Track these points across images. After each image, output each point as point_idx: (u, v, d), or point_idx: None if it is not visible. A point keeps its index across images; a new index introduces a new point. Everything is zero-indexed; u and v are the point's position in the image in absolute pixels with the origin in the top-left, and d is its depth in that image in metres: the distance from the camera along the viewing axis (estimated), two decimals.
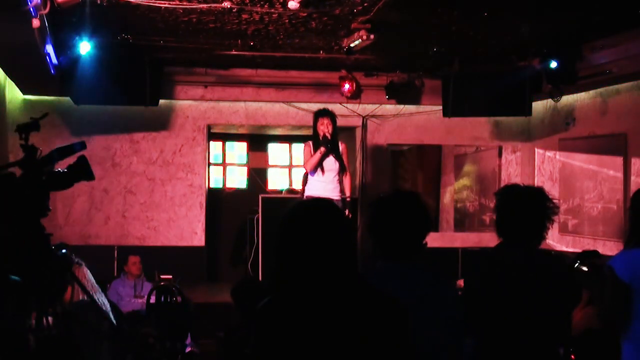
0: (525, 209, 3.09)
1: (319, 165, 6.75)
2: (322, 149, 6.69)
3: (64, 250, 3.51)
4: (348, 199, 6.99)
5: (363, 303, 2.09)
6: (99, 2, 5.31)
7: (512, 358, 3.05)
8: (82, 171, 3.33)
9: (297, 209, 2.17)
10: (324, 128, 6.74)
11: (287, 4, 5.34)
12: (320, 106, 8.46)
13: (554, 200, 3.15)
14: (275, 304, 2.11)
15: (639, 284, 3.39)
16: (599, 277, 3.95)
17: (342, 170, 6.89)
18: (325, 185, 6.74)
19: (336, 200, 6.63)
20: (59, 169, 3.35)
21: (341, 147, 6.98)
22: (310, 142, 6.87)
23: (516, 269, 3.06)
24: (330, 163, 6.80)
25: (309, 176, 6.90)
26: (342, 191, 6.88)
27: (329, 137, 6.74)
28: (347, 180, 7.00)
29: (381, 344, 2.06)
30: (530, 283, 3.04)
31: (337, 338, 2.03)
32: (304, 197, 6.79)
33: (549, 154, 8.86)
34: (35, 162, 3.32)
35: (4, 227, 3.17)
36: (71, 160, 3.37)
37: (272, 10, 5.64)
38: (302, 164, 7.07)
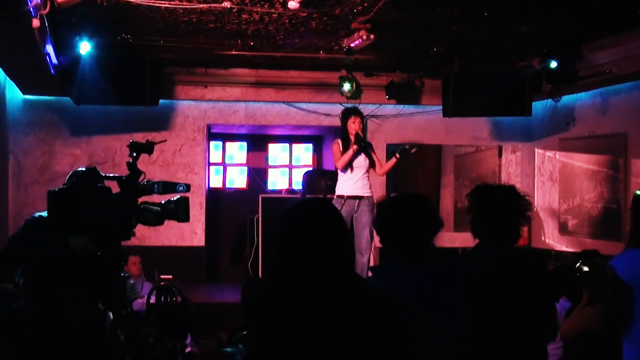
0: (498, 208, 3.09)
1: (350, 163, 6.72)
2: (355, 147, 6.65)
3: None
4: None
5: (355, 299, 2.11)
6: (99, 2, 5.31)
7: (498, 356, 3.04)
8: (179, 211, 3.29)
9: (293, 207, 2.21)
10: (356, 126, 6.72)
11: (287, 4, 5.34)
12: (321, 106, 8.46)
13: (527, 197, 3.15)
14: (270, 299, 2.13)
15: (638, 284, 3.39)
16: (600, 277, 3.95)
17: (372, 167, 6.87)
18: (354, 182, 6.72)
19: (367, 196, 6.67)
20: (155, 204, 3.30)
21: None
22: (339, 140, 6.82)
23: (494, 268, 3.05)
24: (360, 160, 6.76)
25: (339, 174, 6.83)
26: (371, 187, 6.88)
27: (361, 134, 6.74)
28: (385, 168, 6.99)
29: (373, 340, 2.08)
30: (508, 282, 3.03)
31: (329, 333, 2.05)
32: (335, 195, 6.76)
33: (549, 154, 8.86)
34: (136, 185, 3.27)
35: (87, 239, 3.12)
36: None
37: (272, 10, 5.64)
38: (334, 162, 6.96)
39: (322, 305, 2.07)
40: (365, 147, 6.77)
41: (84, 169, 3.29)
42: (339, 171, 6.81)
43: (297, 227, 2.15)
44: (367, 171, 6.80)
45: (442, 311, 2.63)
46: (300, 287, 2.09)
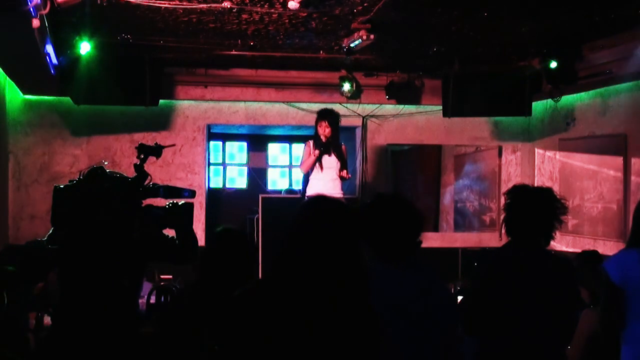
0: (534, 209, 3.10)
1: (313, 167, 6.89)
2: (316, 152, 6.82)
3: None
4: (343, 173, 7.02)
5: (343, 307, 2.06)
6: (99, 2, 5.31)
7: (514, 357, 3.05)
8: (183, 214, 3.29)
9: (310, 206, 2.17)
10: (322, 130, 6.89)
11: (287, 4, 5.34)
12: (321, 106, 8.45)
13: (563, 201, 3.15)
14: (262, 298, 2.10)
15: (631, 285, 3.38)
16: (598, 278, 3.95)
17: (342, 169, 6.94)
18: (325, 183, 6.80)
19: (337, 198, 6.66)
20: (158, 208, 3.30)
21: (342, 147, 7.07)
22: (311, 142, 7.00)
23: (522, 268, 3.06)
24: (331, 161, 6.88)
25: (310, 175, 6.98)
26: (342, 189, 6.95)
27: (324, 139, 6.86)
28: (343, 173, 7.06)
29: (352, 351, 2.05)
30: (535, 283, 3.04)
31: (311, 338, 2.02)
32: (305, 196, 6.84)
33: (549, 154, 8.86)
34: (141, 187, 3.26)
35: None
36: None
37: (272, 10, 5.64)
38: (299, 163, 7.19)
39: (311, 310, 2.03)
40: (327, 151, 6.89)
41: (95, 167, 3.28)
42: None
43: (312, 227, 2.10)
44: (338, 172, 6.89)
45: (430, 309, 2.62)
46: (295, 290, 2.04)
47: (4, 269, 3.85)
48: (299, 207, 2.16)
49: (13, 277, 3.77)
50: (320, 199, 2.21)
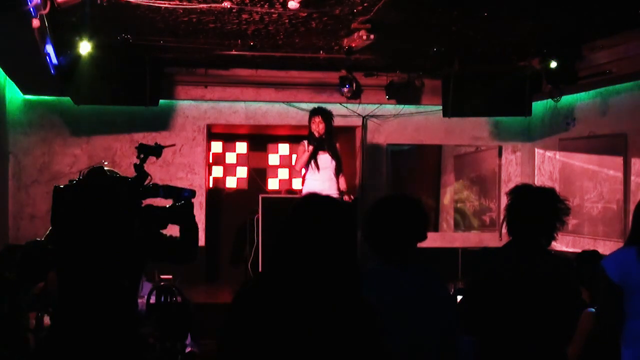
0: (536, 209, 3.10)
1: (309, 163, 6.90)
2: (310, 147, 6.82)
3: None
4: (345, 197, 7.02)
5: (336, 304, 2.05)
6: (99, 2, 5.31)
7: (514, 356, 3.05)
8: (183, 214, 3.30)
9: (303, 203, 2.17)
10: (315, 126, 6.92)
11: (287, 4, 5.34)
12: (321, 106, 8.49)
13: (566, 202, 3.15)
14: (253, 296, 2.10)
15: (629, 283, 3.37)
16: (597, 278, 3.95)
17: (338, 169, 6.94)
18: (321, 183, 6.81)
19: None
20: (159, 208, 3.30)
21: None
22: (305, 142, 7.03)
23: (522, 268, 3.06)
24: (326, 161, 6.88)
25: (307, 175, 6.99)
26: (338, 189, 6.95)
27: (318, 135, 6.90)
28: (342, 180, 7.07)
29: (348, 348, 2.04)
30: (535, 283, 3.04)
31: (303, 337, 2.01)
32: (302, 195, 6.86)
33: (549, 154, 8.86)
34: (141, 187, 3.26)
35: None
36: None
37: (272, 10, 5.64)
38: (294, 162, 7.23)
39: (302, 308, 2.03)
40: (321, 148, 6.90)
41: (95, 167, 3.29)
42: (302, 170, 7.02)
43: (305, 224, 2.10)
44: (335, 172, 6.90)
45: (428, 310, 2.63)
46: (287, 287, 2.04)
47: (5, 277, 3.86)
48: (292, 206, 2.17)
49: (13, 284, 3.79)
50: (312, 196, 2.22)
